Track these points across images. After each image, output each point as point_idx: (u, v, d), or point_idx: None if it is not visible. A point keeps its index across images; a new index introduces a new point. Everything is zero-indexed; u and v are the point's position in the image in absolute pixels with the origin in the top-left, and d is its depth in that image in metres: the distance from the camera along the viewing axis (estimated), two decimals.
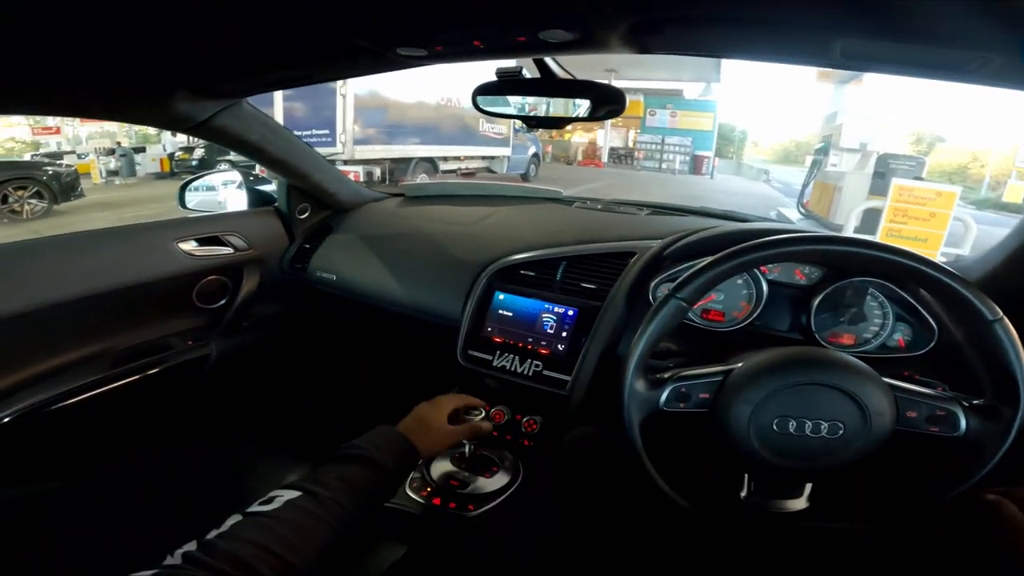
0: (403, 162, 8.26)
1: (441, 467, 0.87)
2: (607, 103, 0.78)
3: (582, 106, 0.80)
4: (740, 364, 0.65)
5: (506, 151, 10.80)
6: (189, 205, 1.50)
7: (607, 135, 20.78)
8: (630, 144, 22.41)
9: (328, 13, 0.58)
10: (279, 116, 6.73)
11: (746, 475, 0.71)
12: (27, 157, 11.59)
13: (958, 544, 0.74)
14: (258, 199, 1.51)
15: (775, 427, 0.61)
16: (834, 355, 0.65)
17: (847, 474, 0.64)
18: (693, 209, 1.31)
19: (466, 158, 9.88)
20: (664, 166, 20.69)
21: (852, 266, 0.83)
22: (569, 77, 0.79)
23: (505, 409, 0.99)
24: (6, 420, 0.88)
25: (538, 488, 0.87)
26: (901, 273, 0.65)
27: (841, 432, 0.61)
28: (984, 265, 0.87)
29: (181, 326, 1.20)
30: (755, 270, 0.89)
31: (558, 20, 0.53)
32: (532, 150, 12.10)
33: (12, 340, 0.90)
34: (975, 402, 0.63)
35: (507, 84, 0.80)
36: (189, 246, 1.19)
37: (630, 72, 18.86)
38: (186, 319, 1.21)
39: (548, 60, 0.77)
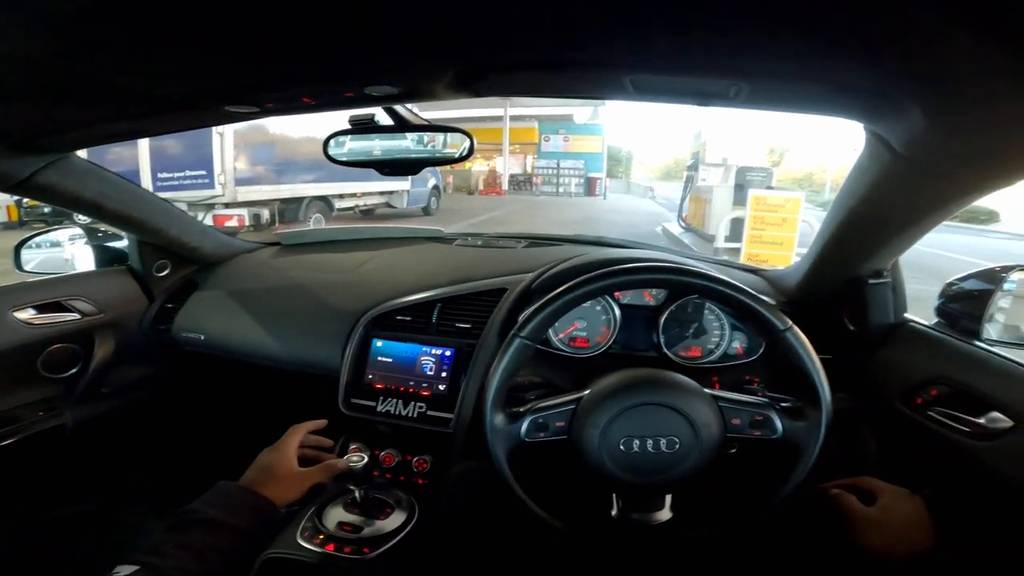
0: (294, 202, 7.89)
1: (334, 514, 0.85)
2: (458, 143, 0.81)
3: (437, 148, 0.82)
4: (587, 392, 0.70)
5: (405, 185, 10.72)
6: (27, 267, 1.34)
7: (506, 162, 21.47)
8: (528, 170, 23.33)
9: (150, 71, 0.55)
10: (144, 157, 6.16)
11: (613, 494, 0.76)
12: None
13: (807, 539, 0.83)
14: (110, 257, 1.38)
15: (622, 447, 0.66)
16: (661, 375, 0.71)
17: (698, 483, 0.69)
18: (567, 238, 1.39)
19: (363, 195, 9.68)
20: (561, 190, 21.78)
21: (671, 288, 0.92)
22: (422, 122, 0.82)
23: (394, 451, 0.99)
24: None
25: (434, 524, 0.87)
26: (708, 293, 0.73)
27: (677, 446, 0.66)
28: (799, 271, 1.00)
29: (29, 397, 1.10)
30: (607, 297, 0.97)
31: (382, 77, 0.56)
32: (432, 182, 12.14)
33: None
34: (785, 404, 0.71)
35: (359, 131, 0.81)
36: (26, 315, 1.08)
37: (523, 100, 19.82)
38: (33, 390, 1.11)
39: (399, 107, 0.80)
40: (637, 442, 0.66)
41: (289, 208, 7.78)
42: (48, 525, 1.09)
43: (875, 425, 0.92)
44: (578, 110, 23.37)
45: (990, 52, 0.37)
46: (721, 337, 0.96)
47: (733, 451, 0.83)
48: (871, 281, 0.88)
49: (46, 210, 9.70)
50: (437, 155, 0.82)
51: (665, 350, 0.95)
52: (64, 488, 1.18)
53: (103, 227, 1.57)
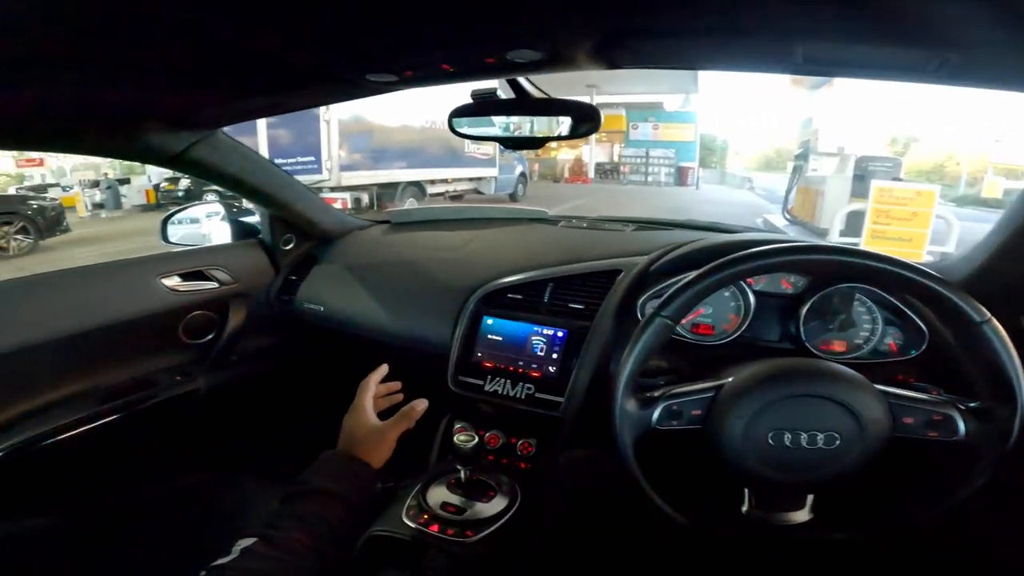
0: (391, 187, 8.29)
1: (438, 493, 0.85)
2: (583, 120, 0.77)
3: (559, 125, 0.79)
4: (731, 379, 0.64)
5: (493, 171, 10.89)
6: (172, 239, 1.49)
7: (592, 151, 21.06)
8: (615, 159, 22.74)
9: (299, 41, 0.57)
10: (263, 144, 6.75)
11: (746, 489, 0.70)
12: (11, 191, 11.49)
13: (975, 548, 0.73)
14: (242, 231, 1.50)
15: (770, 440, 0.61)
16: (823, 365, 0.64)
17: (849, 483, 0.63)
18: (678, 222, 1.31)
19: (453, 180, 9.94)
20: (650, 179, 20.98)
21: (834, 274, 0.83)
22: (544, 96, 0.79)
23: (500, 433, 0.97)
24: None
25: (537, 511, 0.85)
26: (883, 279, 0.64)
27: (838, 442, 0.60)
28: (969, 263, 0.86)
29: (168, 362, 1.19)
30: (741, 282, 0.88)
31: (524, 40, 0.53)
32: (519, 169, 12.21)
33: None
34: (971, 405, 0.63)
35: (482, 106, 0.79)
36: (172, 281, 1.18)
37: (611, 87, 19.26)
38: (173, 355, 1.20)
39: (522, 80, 0.77)
40: (789, 436, 0.60)
41: (386, 192, 8.20)
42: (172, 491, 1.15)
43: None
44: (668, 97, 22.29)
45: None
46: (872, 332, 0.85)
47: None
48: None
49: (180, 194, 11.06)
50: (559, 131, 0.79)
51: (805, 342, 0.86)
52: (193, 454, 1.26)
53: (236, 204, 1.72)
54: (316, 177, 7.05)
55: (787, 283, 0.89)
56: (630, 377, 0.65)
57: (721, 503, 0.71)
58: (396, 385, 0.88)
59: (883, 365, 0.84)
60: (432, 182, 9.36)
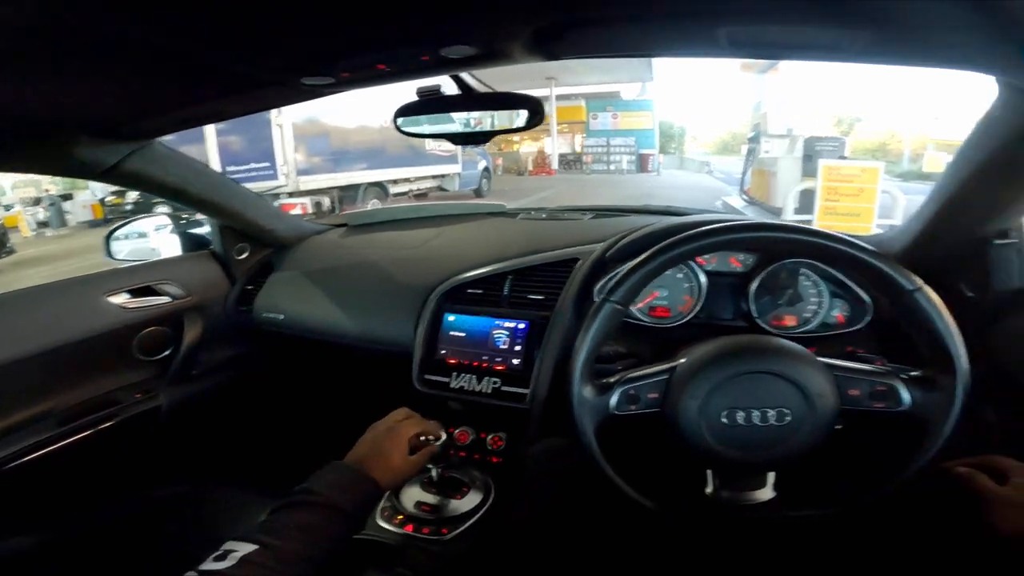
0: (352, 189, 8.12)
1: (411, 494, 0.85)
2: (527, 113, 0.77)
3: (505, 118, 0.79)
4: (683, 360, 0.65)
5: (456, 168, 10.81)
6: (117, 256, 1.43)
7: (555, 142, 21.15)
8: (578, 149, 22.91)
9: (230, 47, 0.56)
10: (213, 152, 6.51)
11: (709, 470, 0.71)
12: None
13: (929, 521, 0.75)
14: (193, 243, 1.45)
15: (724, 419, 0.61)
16: (768, 341, 0.65)
17: (807, 459, 0.63)
18: (635, 208, 1.33)
19: (416, 179, 9.80)
20: (612, 167, 21.22)
21: (775, 250, 0.85)
22: (489, 90, 0.79)
23: (469, 429, 0.97)
24: None
25: (511, 503, 0.86)
26: (818, 253, 0.66)
27: (788, 418, 0.61)
28: (907, 234, 0.91)
29: (126, 380, 1.16)
30: (692, 263, 0.91)
31: (458, 36, 0.53)
32: (482, 164, 12.16)
33: None
34: (913, 374, 0.64)
35: (427, 103, 0.79)
36: (121, 299, 1.15)
37: (569, 78, 19.35)
38: (130, 373, 1.17)
39: (465, 75, 0.77)
40: (742, 414, 0.61)
41: (347, 195, 8.02)
42: (146, 505, 1.13)
43: (997, 400, 0.82)
44: (625, 86, 22.57)
45: None
46: (819, 305, 0.88)
47: (839, 427, 0.76)
48: (996, 242, 0.77)
49: (128, 207, 10.55)
50: (503, 125, 0.79)
51: (756, 319, 0.88)
52: (161, 469, 1.24)
53: (185, 215, 1.66)
54: (273, 183, 6.85)
55: (736, 262, 0.91)
56: (584, 364, 0.65)
57: (686, 485, 0.72)
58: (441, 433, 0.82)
59: (833, 337, 0.87)
60: (395, 182, 9.21)
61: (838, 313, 0.88)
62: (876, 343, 0.86)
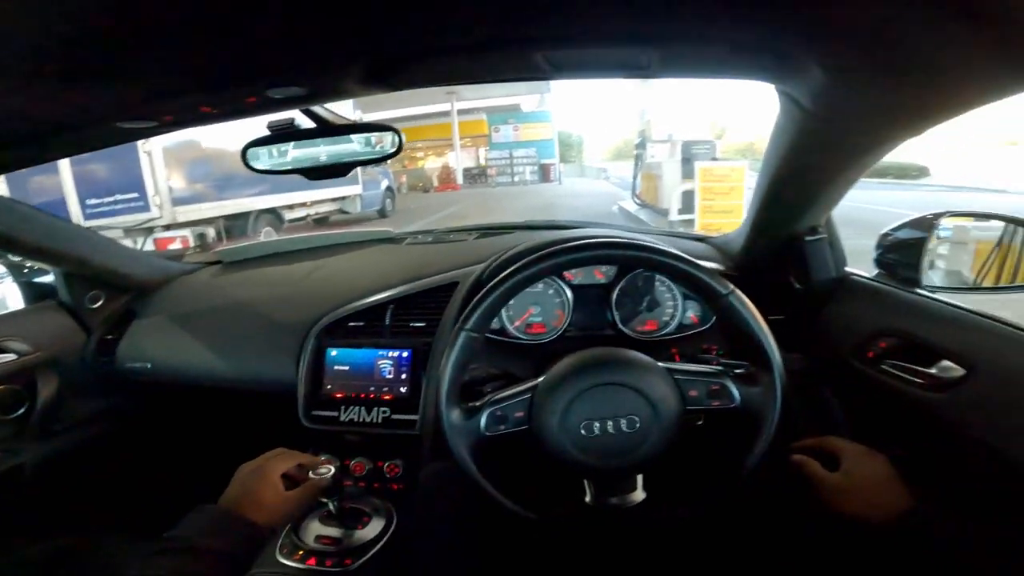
0: (240, 218, 7.52)
1: (311, 528, 0.85)
2: (387, 141, 0.78)
3: (364, 148, 0.79)
4: (542, 378, 0.68)
5: (357, 189, 10.44)
6: None
7: (458, 157, 21.26)
8: (482, 162, 23.24)
9: (43, 93, 0.50)
10: (68, 184, 5.76)
11: (585, 480, 0.73)
12: None
13: (779, 509, 0.82)
14: (38, 293, 1.29)
15: (583, 431, 0.64)
16: (613, 353, 0.69)
17: (668, 459, 0.67)
18: (519, 225, 1.38)
19: (314, 203, 9.33)
20: (516, 179, 21.79)
21: (606, 263, 0.91)
22: (346, 121, 0.78)
23: (364, 459, 0.98)
24: None
25: (413, 528, 0.87)
26: (646, 265, 0.72)
27: (638, 424, 0.64)
28: (741, 236, 1.02)
29: None
30: (557, 279, 0.95)
31: (283, 77, 0.52)
32: (385, 183, 11.88)
33: None
34: (738, 371, 0.69)
35: (279, 137, 0.76)
36: None
37: (470, 93, 19.60)
38: None
39: (318, 108, 0.76)
40: (597, 424, 0.64)
41: (236, 224, 7.43)
42: (24, 561, 1.03)
43: (835, 383, 0.92)
44: (525, 98, 23.37)
45: (880, 16, 0.37)
46: (675, 308, 0.96)
47: (700, 423, 0.83)
48: (808, 238, 0.89)
49: None
50: (364, 155, 0.79)
51: (621, 327, 0.95)
52: (34, 525, 1.14)
53: (29, 262, 1.46)
54: (145, 216, 6.17)
55: (599, 274, 0.98)
56: (449, 391, 0.67)
57: (567, 495, 0.75)
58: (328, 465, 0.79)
59: (690, 337, 0.95)
60: (290, 207, 8.69)
61: (692, 314, 0.96)
62: (726, 339, 0.95)
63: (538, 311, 0.97)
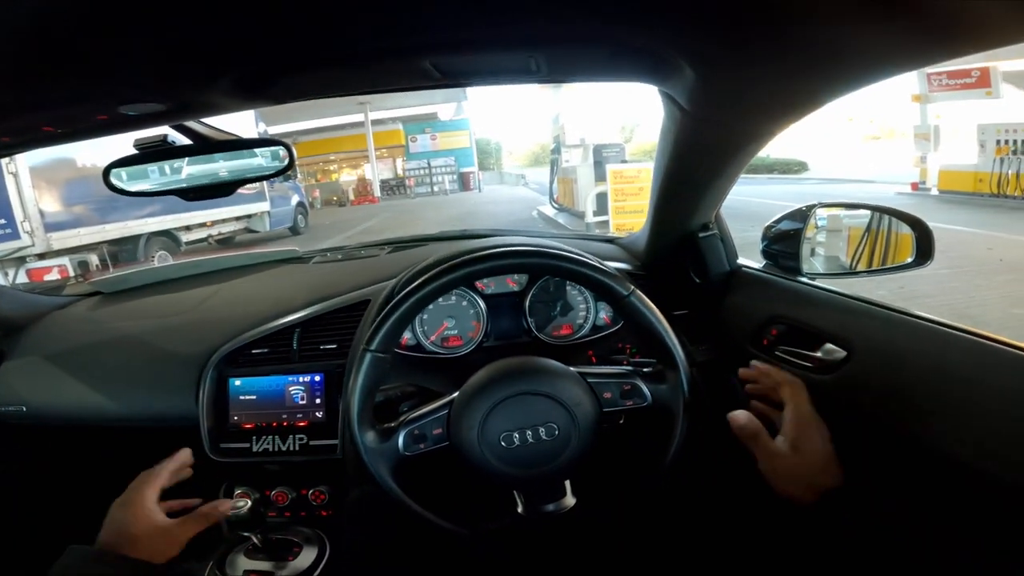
0: (128, 242, 6.83)
1: (239, 563, 0.83)
2: (274, 156, 0.73)
3: (248, 165, 0.73)
4: (457, 393, 0.67)
5: (264, 206, 9.82)
6: None
7: (374, 168, 20.68)
8: (400, 173, 22.81)
9: None
10: None
11: (515, 491, 0.72)
12: None
13: (710, 494, 0.84)
14: None
15: (503, 443, 0.63)
16: (526, 362, 0.68)
17: (594, 462, 0.67)
18: (432, 236, 1.35)
19: (215, 223, 8.66)
20: (436, 188, 21.61)
21: (503, 273, 0.89)
22: (228, 137, 0.72)
23: (287, 489, 0.95)
24: None
25: (346, 554, 0.85)
26: (551, 271, 0.72)
27: (557, 432, 0.64)
28: (644, 235, 1.06)
29: None
30: (468, 290, 0.95)
31: (137, 93, 0.46)
32: (296, 199, 11.30)
33: None
34: (646, 370, 0.70)
35: (147, 156, 0.69)
36: None
37: (384, 102, 19.20)
38: None
39: (193, 124, 0.69)
40: (516, 435, 0.63)
41: (123, 249, 6.72)
42: None
43: (737, 369, 0.98)
44: (442, 107, 23.29)
45: (743, 18, 0.39)
46: (587, 311, 0.97)
47: (622, 422, 0.84)
48: (701, 235, 0.94)
49: None
50: (249, 173, 0.73)
51: (536, 333, 0.95)
52: None
53: None
54: (14, 244, 5.44)
55: (512, 282, 0.98)
56: (360, 414, 0.64)
57: (500, 507, 0.73)
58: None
59: (604, 338, 0.97)
60: (187, 228, 8.01)
61: (604, 315, 0.98)
62: (634, 339, 0.97)
63: (453, 324, 0.95)
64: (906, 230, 0.83)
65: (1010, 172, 8.46)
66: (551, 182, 10.56)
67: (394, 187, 22.04)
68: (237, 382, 0.95)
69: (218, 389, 0.95)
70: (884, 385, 0.65)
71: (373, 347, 0.65)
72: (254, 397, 0.94)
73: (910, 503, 0.58)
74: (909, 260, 0.82)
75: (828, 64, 0.48)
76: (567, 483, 0.73)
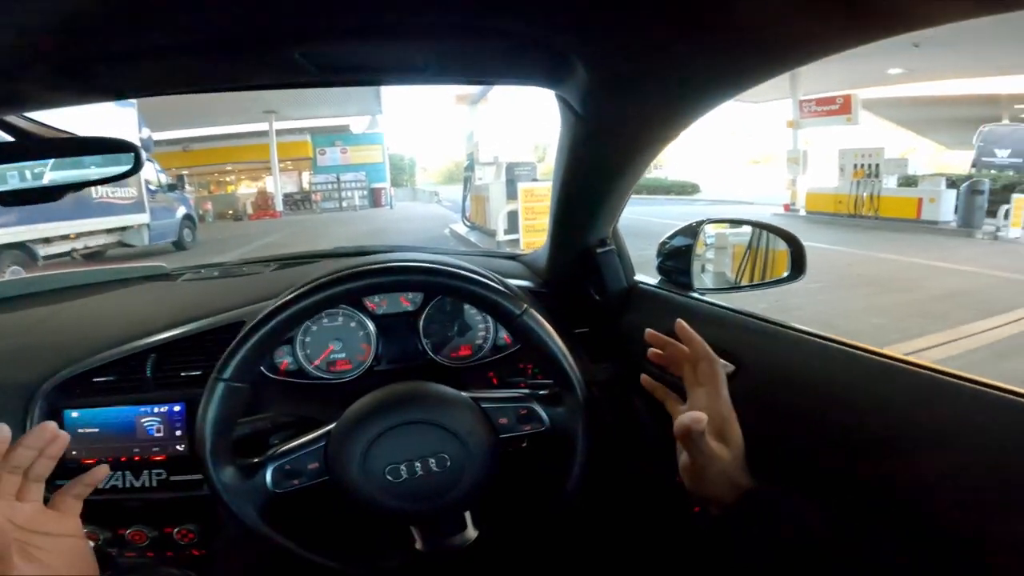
0: None
1: None
2: (117, 159, 0.62)
3: (87, 167, 0.62)
4: (334, 424, 0.61)
5: (143, 218, 8.84)
6: None
7: (277, 181, 19.38)
8: (305, 187, 21.69)
9: None
10: None
11: (411, 527, 0.66)
12: None
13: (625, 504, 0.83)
14: None
15: (389, 476, 0.58)
16: (414, 389, 0.64)
17: (496, 490, 0.63)
18: (324, 253, 1.25)
19: (80, 235, 7.64)
20: (344, 204, 20.80)
21: (403, 289, 0.87)
22: (59, 135, 0.61)
23: (145, 528, 0.83)
24: None
25: None
26: (432, 288, 0.68)
27: (448, 462, 0.59)
28: (545, 251, 1.04)
29: None
30: (356, 310, 0.88)
31: None
32: (182, 211, 10.28)
33: None
34: (542, 392, 0.67)
35: None
36: None
37: (292, 111, 18.24)
38: None
39: (14, 118, 0.57)
40: (404, 467, 0.58)
41: None
42: None
43: (640, 388, 0.97)
44: (354, 119, 22.55)
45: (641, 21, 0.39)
46: (487, 330, 0.93)
47: (525, 445, 0.81)
48: (599, 251, 0.94)
49: None
50: (90, 176, 0.62)
51: (432, 355, 0.90)
52: None
53: None
54: None
55: (406, 301, 0.91)
56: (214, 450, 0.56)
57: (396, 543, 0.67)
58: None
59: (506, 358, 0.93)
60: (46, 240, 6.99)
61: (504, 335, 0.93)
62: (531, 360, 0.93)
63: (340, 347, 0.87)
64: (783, 246, 0.89)
65: (864, 194, 9.81)
66: (464, 200, 10.56)
67: (299, 201, 20.89)
68: (74, 414, 0.81)
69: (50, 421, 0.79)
70: (768, 397, 0.66)
71: (226, 375, 0.57)
72: (96, 430, 0.82)
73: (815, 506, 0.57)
74: (785, 275, 0.88)
75: (723, 61, 0.48)
76: (467, 515, 0.68)
